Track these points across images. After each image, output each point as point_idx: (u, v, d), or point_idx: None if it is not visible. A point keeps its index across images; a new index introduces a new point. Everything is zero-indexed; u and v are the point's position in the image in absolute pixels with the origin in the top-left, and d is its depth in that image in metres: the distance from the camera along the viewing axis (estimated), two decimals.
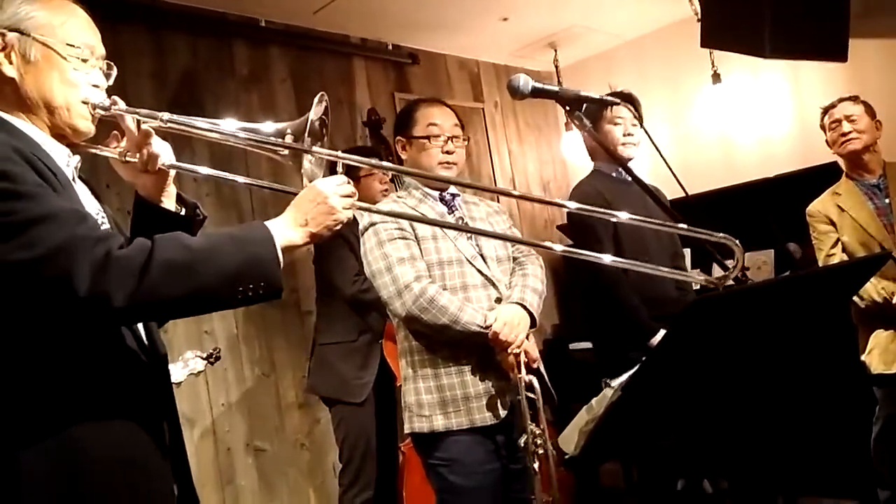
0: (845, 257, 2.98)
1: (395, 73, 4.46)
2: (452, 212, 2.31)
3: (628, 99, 2.79)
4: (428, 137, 2.27)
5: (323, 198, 1.35)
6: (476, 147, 4.82)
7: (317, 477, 3.66)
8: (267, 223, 1.30)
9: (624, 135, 2.86)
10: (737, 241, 1.43)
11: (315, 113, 1.41)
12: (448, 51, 4.76)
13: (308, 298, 3.60)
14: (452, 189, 2.35)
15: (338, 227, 1.37)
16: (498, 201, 4.33)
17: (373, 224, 2.21)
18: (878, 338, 2.93)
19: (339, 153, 1.47)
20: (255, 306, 3.53)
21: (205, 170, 1.55)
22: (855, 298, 2.90)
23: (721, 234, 1.45)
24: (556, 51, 4.88)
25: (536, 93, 1.56)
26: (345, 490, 3.17)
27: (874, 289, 2.86)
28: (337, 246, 3.19)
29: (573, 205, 1.76)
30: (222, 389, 3.39)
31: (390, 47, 4.44)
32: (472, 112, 4.84)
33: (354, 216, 1.43)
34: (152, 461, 1.28)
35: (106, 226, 1.35)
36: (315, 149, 1.41)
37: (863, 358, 2.98)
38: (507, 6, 4.13)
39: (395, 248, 2.16)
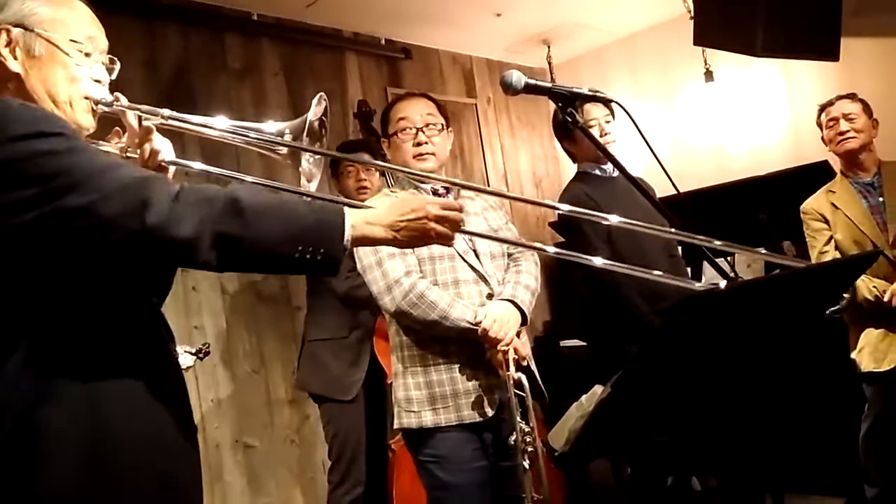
0: (838, 255, 2.98)
1: (387, 68, 4.44)
2: None
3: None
4: (397, 133, 2.27)
5: (427, 215, 1.32)
6: (468, 143, 4.81)
7: (306, 473, 3.65)
8: (345, 209, 1.29)
9: (601, 135, 2.86)
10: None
11: (314, 113, 1.43)
12: (441, 46, 4.74)
13: (298, 294, 3.58)
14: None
15: (415, 244, 1.38)
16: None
17: None
18: (869, 336, 2.94)
19: (333, 152, 1.47)
20: (245, 301, 3.55)
21: (205, 167, 1.55)
22: (846, 296, 2.91)
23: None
24: (549, 47, 4.88)
25: (529, 89, 1.55)
26: (334, 487, 3.16)
27: (866, 287, 2.87)
28: None
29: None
30: (211, 385, 3.37)
31: (383, 42, 4.43)
32: (464, 108, 4.83)
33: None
34: (177, 444, 1.30)
35: None
36: (310, 147, 1.41)
37: (853, 356, 2.99)
38: (501, 2, 4.12)
39: None
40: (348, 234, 1.25)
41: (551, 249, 1.64)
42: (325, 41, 4.12)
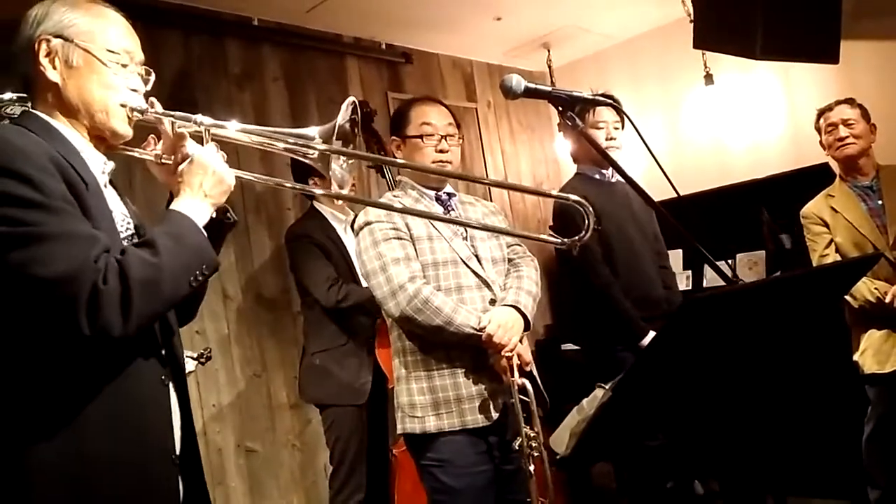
0: (839, 258, 2.98)
1: (388, 73, 4.45)
2: (448, 212, 2.30)
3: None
4: (421, 136, 2.26)
5: (211, 169, 1.38)
6: (469, 147, 4.82)
7: (308, 478, 3.65)
8: (178, 209, 1.33)
9: (607, 139, 2.87)
10: (589, 208, 1.51)
11: (342, 117, 1.45)
12: (441, 50, 4.75)
13: (299, 299, 3.58)
14: (448, 189, 2.34)
15: (230, 191, 1.42)
16: (490, 197, 4.33)
17: (368, 223, 2.19)
18: (872, 338, 2.94)
19: (356, 151, 1.49)
20: (246, 306, 3.55)
21: (237, 172, 1.56)
22: (847, 298, 2.91)
23: (574, 198, 1.58)
24: (549, 51, 4.88)
25: (529, 93, 1.55)
26: (336, 493, 3.15)
27: (867, 288, 2.87)
28: (310, 254, 3.16)
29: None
30: (213, 390, 3.37)
31: (384, 46, 4.43)
32: (465, 112, 4.83)
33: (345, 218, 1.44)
34: (158, 463, 1.30)
35: (130, 230, 1.39)
36: (337, 148, 1.44)
37: (856, 358, 2.99)
38: (501, 6, 4.12)
39: (390, 248, 2.15)
40: (205, 235, 1.33)
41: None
42: (326, 46, 4.12)
